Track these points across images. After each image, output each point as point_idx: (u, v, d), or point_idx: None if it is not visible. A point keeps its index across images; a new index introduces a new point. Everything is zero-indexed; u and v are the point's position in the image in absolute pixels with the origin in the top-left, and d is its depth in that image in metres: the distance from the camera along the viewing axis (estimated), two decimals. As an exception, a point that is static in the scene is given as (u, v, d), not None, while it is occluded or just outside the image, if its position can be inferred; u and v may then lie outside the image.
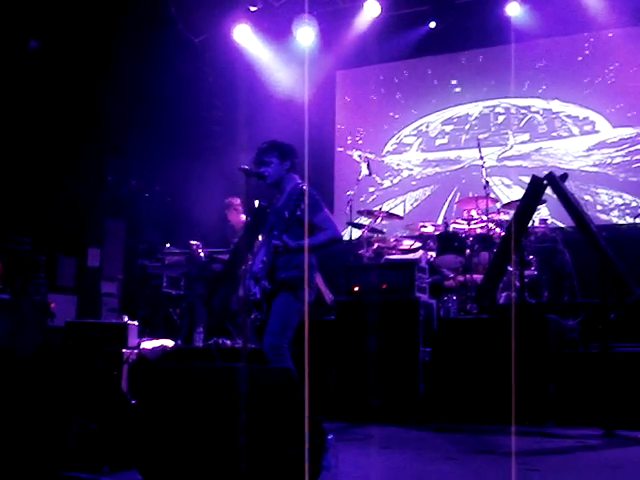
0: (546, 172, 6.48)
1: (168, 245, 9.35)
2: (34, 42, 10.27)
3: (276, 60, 11.55)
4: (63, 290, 10.72)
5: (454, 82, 11.15)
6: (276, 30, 11.37)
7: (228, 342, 7.88)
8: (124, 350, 7.54)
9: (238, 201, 8.47)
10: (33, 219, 10.16)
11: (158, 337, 8.16)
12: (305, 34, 10.99)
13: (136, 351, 7.62)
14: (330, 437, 3.26)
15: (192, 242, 8.60)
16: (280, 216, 4.72)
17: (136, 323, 8.06)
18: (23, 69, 10.15)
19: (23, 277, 9.38)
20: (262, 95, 11.46)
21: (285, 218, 4.65)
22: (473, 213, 8.32)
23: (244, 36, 11.45)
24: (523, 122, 10.61)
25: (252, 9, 11.12)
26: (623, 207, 9.82)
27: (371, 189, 11.39)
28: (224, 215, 8.88)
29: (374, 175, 9.91)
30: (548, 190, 6.47)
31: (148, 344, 7.78)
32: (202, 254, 8.53)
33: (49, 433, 3.71)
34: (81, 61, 10.65)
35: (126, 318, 8.28)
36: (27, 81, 10.16)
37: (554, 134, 10.38)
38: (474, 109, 10.98)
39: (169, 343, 7.90)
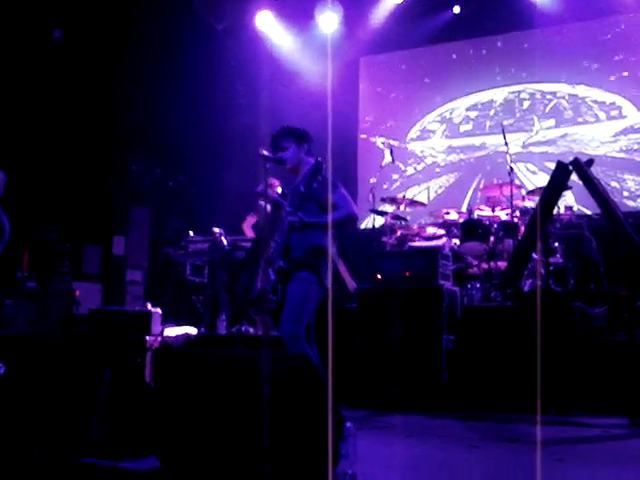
0: (572, 158, 6.38)
1: (192, 233, 9.36)
2: (58, 32, 10.32)
3: (299, 47, 11.51)
4: (88, 278, 10.80)
5: (478, 68, 11.03)
6: (299, 17, 11.32)
7: (251, 329, 7.88)
8: (148, 337, 7.57)
9: (277, 182, 8.34)
10: (58, 208, 10.23)
11: (182, 324, 8.18)
12: (328, 20, 10.93)
13: (160, 338, 7.65)
14: (349, 425, 3.23)
15: (215, 230, 8.60)
16: (296, 192, 4.69)
17: (160, 310, 8.08)
18: (47, 60, 10.20)
19: (48, 265, 9.45)
20: (285, 82, 11.43)
21: (301, 192, 4.61)
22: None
23: (267, 23, 11.42)
24: (548, 107, 10.48)
25: (275, -5, 11.09)
26: (650, 193, 9.69)
27: (395, 176, 11.32)
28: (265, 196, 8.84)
29: (397, 162, 9.84)
30: (574, 176, 6.38)
31: (172, 331, 7.80)
32: (225, 242, 8.53)
33: (70, 420, 3.72)
34: (104, 51, 10.68)
35: (150, 305, 8.31)
36: (50, 71, 10.21)
37: (580, 119, 10.24)
38: (499, 95, 10.86)
39: (192, 330, 7.92)
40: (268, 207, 5.45)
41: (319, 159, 4.73)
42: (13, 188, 10.07)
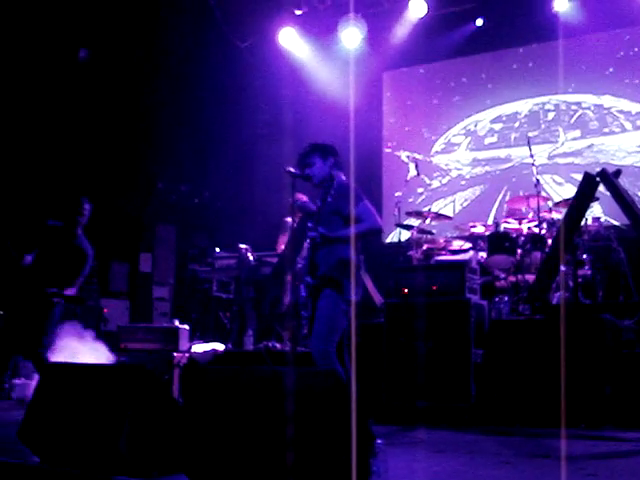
0: (599, 169, 6.34)
1: (218, 249, 9.41)
2: (84, 51, 10.45)
3: (322, 63, 11.55)
4: (116, 295, 10.88)
5: (502, 80, 11.00)
6: (322, 33, 11.37)
7: (278, 345, 7.88)
8: (175, 354, 7.60)
9: (305, 197, 8.29)
10: (86, 226, 10.32)
11: (209, 341, 8.21)
12: (351, 36, 10.96)
13: (187, 355, 7.68)
14: (379, 442, 3.21)
15: (241, 246, 8.63)
16: (317, 207, 4.69)
17: (187, 327, 8.12)
18: (74, 79, 10.33)
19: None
20: (309, 98, 11.48)
21: (318, 207, 4.61)
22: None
23: (290, 40, 11.48)
24: (574, 118, 10.42)
25: (297, 12, 11.14)
26: (680, 203, 9.56)
27: (420, 190, 11.30)
28: (292, 212, 8.77)
29: (422, 176, 9.83)
30: (601, 187, 6.33)
31: (199, 348, 7.83)
32: (251, 258, 8.55)
33: (100, 438, 3.74)
34: (130, 70, 10.80)
35: (177, 322, 8.35)
36: (77, 92, 10.34)
37: (606, 130, 10.17)
38: (523, 106, 10.82)
39: (220, 347, 7.94)
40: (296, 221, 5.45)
41: (332, 173, 4.74)
42: (41, 207, 10.19)
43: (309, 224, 4.65)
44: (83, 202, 6.24)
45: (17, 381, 8.22)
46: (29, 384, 7.83)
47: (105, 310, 9.70)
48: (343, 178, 4.83)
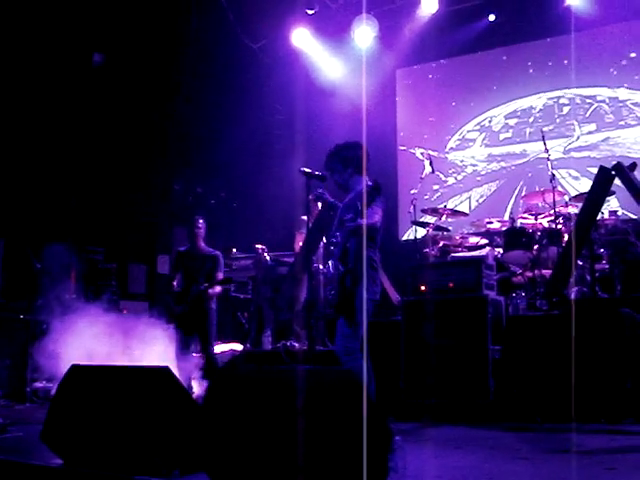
0: (614, 162, 6.31)
1: (235, 250, 9.45)
2: (98, 56, 10.52)
3: (335, 62, 11.57)
4: (135, 297, 10.94)
5: (516, 75, 10.97)
6: (334, 32, 11.40)
7: (296, 344, 7.90)
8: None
9: None
10: (105, 230, 10.42)
11: (227, 341, 8.25)
12: (363, 34, 10.97)
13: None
14: (397, 438, 3.23)
15: (258, 246, 8.66)
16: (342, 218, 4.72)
17: (205, 328, 8.14)
18: (90, 84, 10.41)
19: (95, 285, 9.63)
20: (323, 97, 11.50)
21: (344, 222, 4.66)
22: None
23: (303, 39, 11.51)
24: (589, 112, 10.37)
25: (309, 12, 11.15)
26: (698, 195, 9.49)
27: (435, 187, 11.30)
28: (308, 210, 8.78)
29: (438, 172, 9.82)
30: (617, 181, 6.31)
31: (217, 348, 7.86)
32: (268, 258, 8.58)
33: (121, 438, 3.79)
34: (145, 74, 10.87)
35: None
36: (93, 96, 10.42)
37: (622, 123, 10.11)
38: (537, 101, 10.78)
39: (238, 347, 7.98)
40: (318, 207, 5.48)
41: (350, 187, 4.79)
42: (63, 214, 10.29)
43: (348, 216, 4.68)
44: (197, 220, 7.46)
45: (38, 384, 8.31)
46: (50, 387, 7.92)
47: (124, 311, 9.76)
48: (369, 183, 4.77)
